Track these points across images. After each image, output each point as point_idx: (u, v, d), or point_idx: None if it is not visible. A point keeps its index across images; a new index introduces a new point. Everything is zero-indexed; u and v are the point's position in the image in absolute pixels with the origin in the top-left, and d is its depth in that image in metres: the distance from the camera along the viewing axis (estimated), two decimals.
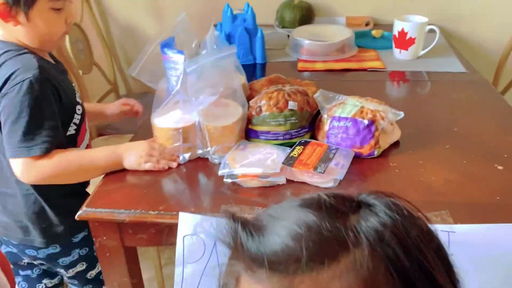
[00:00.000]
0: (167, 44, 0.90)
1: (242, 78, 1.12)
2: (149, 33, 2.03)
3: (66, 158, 0.89)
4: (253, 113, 0.97)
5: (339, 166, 0.85)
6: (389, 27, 1.69)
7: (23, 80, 0.85)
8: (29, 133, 0.86)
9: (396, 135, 0.98)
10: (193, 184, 0.88)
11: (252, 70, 1.45)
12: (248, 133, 0.99)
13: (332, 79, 1.37)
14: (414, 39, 1.42)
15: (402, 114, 0.95)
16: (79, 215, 0.81)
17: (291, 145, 0.95)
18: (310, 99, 1.00)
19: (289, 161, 0.86)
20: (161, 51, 0.90)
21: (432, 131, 1.03)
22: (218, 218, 0.40)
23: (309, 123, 0.99)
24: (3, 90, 0.86)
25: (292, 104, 0.95)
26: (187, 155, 0.92)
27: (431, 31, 1.43)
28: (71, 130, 0.98)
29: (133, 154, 0.90)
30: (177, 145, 0.91)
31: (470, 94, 1.24)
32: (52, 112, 0.89)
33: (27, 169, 0.87)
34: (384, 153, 0.94)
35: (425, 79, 1.35)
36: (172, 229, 0.79)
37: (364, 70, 1.40)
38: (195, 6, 1.94)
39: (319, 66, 1.44)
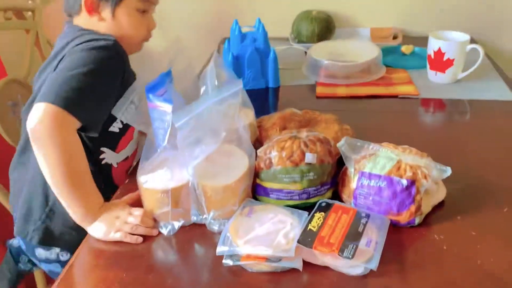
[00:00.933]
0: (154, 87, 0.72)
1: (250, 115, 0.94)
2: (152, 46, 1.86)
3: (78, 158, 0.74)
4: (262, 165, 0.79)
5: (371, 246, 0.66)
6: (420, 40, 1.49)
7: (98, 43, 0.81)
8: (80, 91, 0.75)
9: (441, 194, 0.78)
10: (184, 263, 0.70)
11: (264, 96, 1.27)
12: (256, 189, 0.81)
13: (357, 108, 1.18)
14: (453, 60, 1.21)
15: (449, 170, 0.76)
16: None
17: (309, 206, 0.76)
18: (333, 148, 0.81)
19: (307, 239, 0.67)
20: (146, 97, 0.72)
21: (483, 187, 0.83)
22: None
23: (332, 177, 0.81)
24: (76, 47, 0.82)
25: (310, 157, 0.77)
26: (177, 224, 0.74)
27: (473, 49, 1.22)
28: (115, 127, 0.91)
29: (104, 220, 0.74)
30: (165, 211, 0.73)
31: None
32: (111, 88, 0.81)
33: (51, 119, 0.70)
34: (427, 219, 0.75)
35: (466, 110, 1.14)
36: None
37: (395, 96, 1.21)
38: (202, 18, 1.76)
39: (341, 91, 1.25)
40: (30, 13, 1.39)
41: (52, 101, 0.71)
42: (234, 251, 0.67)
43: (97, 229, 0.75)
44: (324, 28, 1.56)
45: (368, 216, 0.73)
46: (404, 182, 0.73)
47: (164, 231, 0.75)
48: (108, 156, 0.93)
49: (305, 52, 1.46)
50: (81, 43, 0.83)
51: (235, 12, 1.68)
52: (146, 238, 0.74)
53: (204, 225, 0.76)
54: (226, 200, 0.75)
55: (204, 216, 0.74)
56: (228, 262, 0.67)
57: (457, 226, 0.74)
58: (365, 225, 0.70)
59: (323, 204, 0.76)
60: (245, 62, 1.24)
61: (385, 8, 1.66)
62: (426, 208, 0.75)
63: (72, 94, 0.73)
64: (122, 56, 0.86)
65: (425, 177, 0.74)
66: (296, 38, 1.61)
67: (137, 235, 0.74)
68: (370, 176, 0.75)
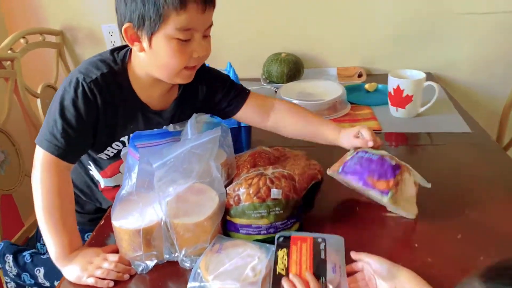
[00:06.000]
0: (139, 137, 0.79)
1: (223, 154, 0.98)
2: None
3: (51, 198, 0.81)
4: (231, 202, 0.83)
5: (337, 272, 0.70)
6: (383, 77, 1.58)
7: (73, 78, 0.84)
8: (51, 130, 0.83)
9: (411, 208, 0.87)
10: None
11: (237, 134, 1.32)
12: (227, 226, 0.85)
13: (324, 144, 1.24)
14: (412, 96, 1.30)
15: (429, 185, 0.88)
16: None
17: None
18: (297, 184, 0.86)
19: (276, 285, 0.70)
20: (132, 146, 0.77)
21: (440, 215, 0.89)
22: None
23: (298, 211, 0.85)
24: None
25: (275, 193, 0.82)
26: (151, 263, 0.77)
27: (429, 86, 1.31)
28: (103, 154, 0.96)
29: (78, 264, 0.78)
30: (139, 254, 0.76)
31: (479, 161, 1.10)
32: (78, 122, 0.84)
33: (44, 166, 0.82)
34: (387, 249, 0.80)
35: (427, 143, 1.22)
36: None
37: None
38: None
39: None
40: (9, 62, 1.44)
41: (45, 148, 0.82)
42: (204, 286, 0.70)
43: (71, 273, 0.78)
44: (293, 69, 1.64)
45: (324, 240, 0.76)
46: (393, 162, 0.85)
47: (138, 270, 0.78)
48: (94, 173, 1.00)
49: (275, 92, 1.54)
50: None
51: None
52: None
53: (176, 262, 0.79)
54: (197, 237, 0.78)
55: (176, 254, 0.78)
56: None
57: (414, 253, 0.79)
58: (325, 250, 0.74)
59: (281, 239, 0.78)
60: None
61: (350, 48, 1.76)
62: (399, 199, 0.84)
63: (58, 142, 0.82)
64: (94, 93, 0.84)
65: (409, 173, 0.86)
66: (267, 78, 1.69)
67: (109, 280, 0.76)
68: (367, 152, 0.88)
